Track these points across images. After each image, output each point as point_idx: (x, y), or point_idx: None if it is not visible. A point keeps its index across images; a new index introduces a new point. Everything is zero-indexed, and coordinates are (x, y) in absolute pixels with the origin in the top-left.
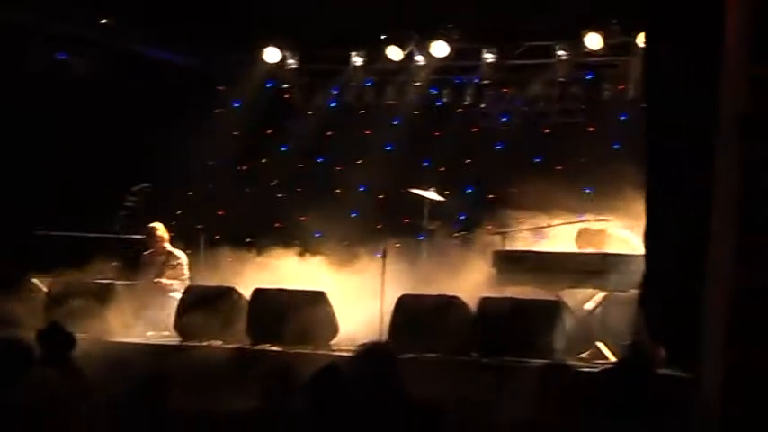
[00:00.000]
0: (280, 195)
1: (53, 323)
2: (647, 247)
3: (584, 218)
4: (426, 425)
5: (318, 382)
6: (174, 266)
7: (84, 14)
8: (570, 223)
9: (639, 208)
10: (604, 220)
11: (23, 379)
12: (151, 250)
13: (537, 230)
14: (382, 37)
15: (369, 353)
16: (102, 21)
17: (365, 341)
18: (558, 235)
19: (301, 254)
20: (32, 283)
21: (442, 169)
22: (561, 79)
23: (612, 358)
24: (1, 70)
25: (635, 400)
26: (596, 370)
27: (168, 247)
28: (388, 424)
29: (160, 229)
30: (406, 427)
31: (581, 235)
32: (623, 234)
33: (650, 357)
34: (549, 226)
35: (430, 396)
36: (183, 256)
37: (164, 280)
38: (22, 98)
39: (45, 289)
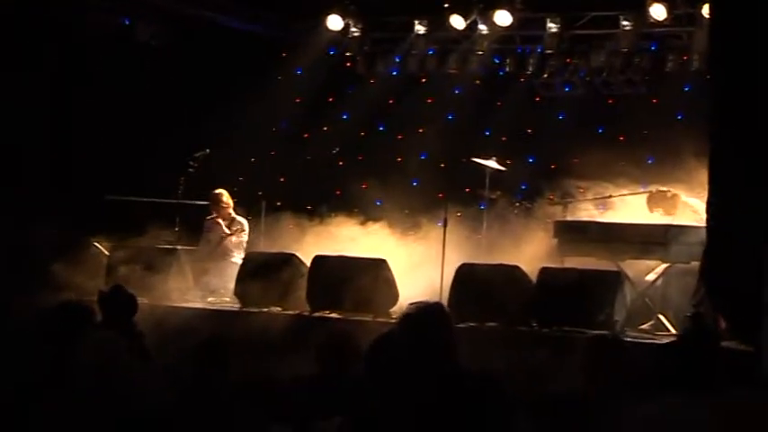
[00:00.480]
0: (341, 163)
1: (115, 287)
2: (709, 219)
3: (646, 188)
4: (478, 394)
5: (377, 349)
6: (236, 232)
7: None
8: (633, 194)
9: (702, 179)
10: (667, 191)
11: (84, 342)
12: (213, 215)
13: (599, 201)
14: (445, 5)
15: (421, 311)
16: None
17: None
18: (620, 205)
19: (362, 222)
20: (94, 246)
21: (504, 138)
22: (625, 50)
23: (673, 330)
24: (67, 35)
25: (697, 373)
26: (657, 342)
27: (232, 213)
28: (440, 389)
29: (225, 195)
30: (458, 393)
31: (653, 196)
32: (694, 202)
33: (712, 330)
34: (611, 196)
35: (486, 365)
36: (244, 223)
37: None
38: (85, 63)
39: (106, 253)
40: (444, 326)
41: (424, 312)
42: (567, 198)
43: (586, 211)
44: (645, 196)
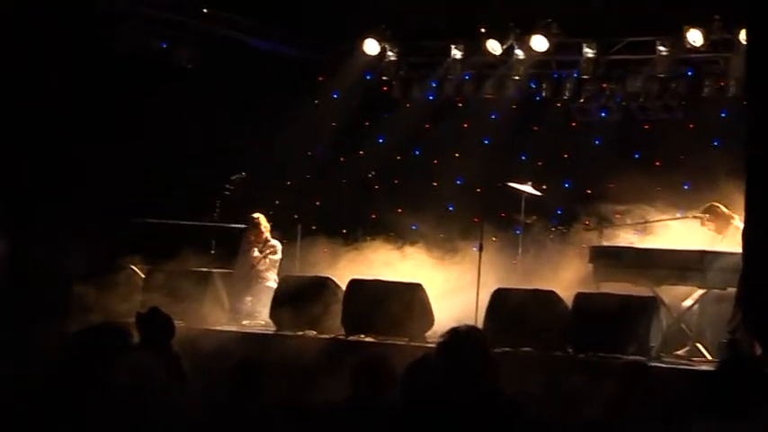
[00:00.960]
0: (376, 187)
1: (153, 309)
2: (745, 245)
3: (682, 215)
4: (513, 418)
5: (413, 374)
6: (268, 254)
7: (188, 2)
8: (668, 219)
9: (738, 205)
10: (700, 218)
11: (122, 363)
12: (251, 239)
13: (635, 226)
14: (482, 30)
15: (459, 336)
16: (205, 10)
17: (456, 326)
18: (659, 231)
19: (398, 246)
20: (131, 269)
21: (540, 163)
22: (661, 75)
23: (709, 357)
24: (104, 57)
25: (734, 399)
26: (694, 368)
27: (268, 236)
28: (475, 415)
29: (263, 219)
30: (491, 419)
31: (710, 209)
32: None
33: (748, 356)
34: (647, 222)
35: (521, 391)
36: (277, 244)
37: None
38: (121, 85)
39: (143, 276)
40: (482, 350)
41: (461, 337)
42: (602, 223)
43: (624, 237)
44: (699, 210)
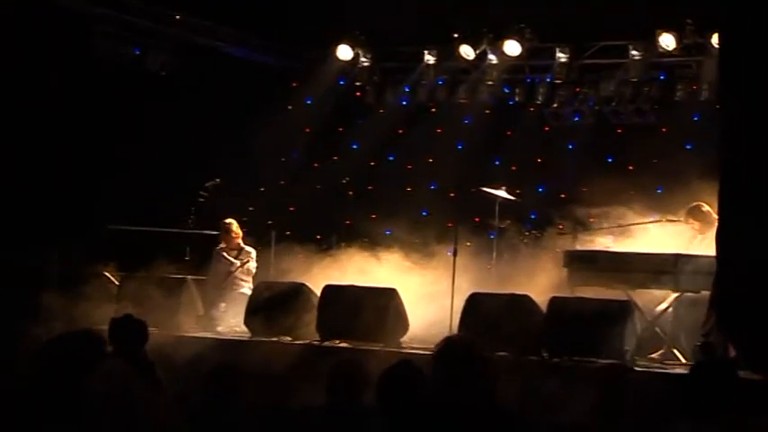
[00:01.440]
0: (350, 193)
1: (126, 316)
2: (719, 248)
3: (655, 218)
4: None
5: (389, 379)
6: (245, 262)
7: (160, 10)
8: (640, 224)
9: (712, 209)
10: (677, 221)
11: (95, 372)
12: (222, 245)
13: (609, 230)
14: (455, 35)
15: (454, 346)
16: (177, 17)
17: (450, 335)
18: (631, 235)
19: (372, 251)
20: (105, 276)
21: (514, 168)
22: (634, 79)
23: (683, 360)
24: (76, 64)
25: (709, 402)
26: (668, 371)
27: (241, 243)
28: (462, 425)
29: (235, 224)
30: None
31: (693, 209)
32: None
33: (723, 359)
34: (621, 226)
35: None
36: (252, 251)
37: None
38: (94, 92)
39: (116, 282)
40: (477, 358)
41: (455, 345)
42: (576, 227)
43: (598, 241)
44: (684, 211)
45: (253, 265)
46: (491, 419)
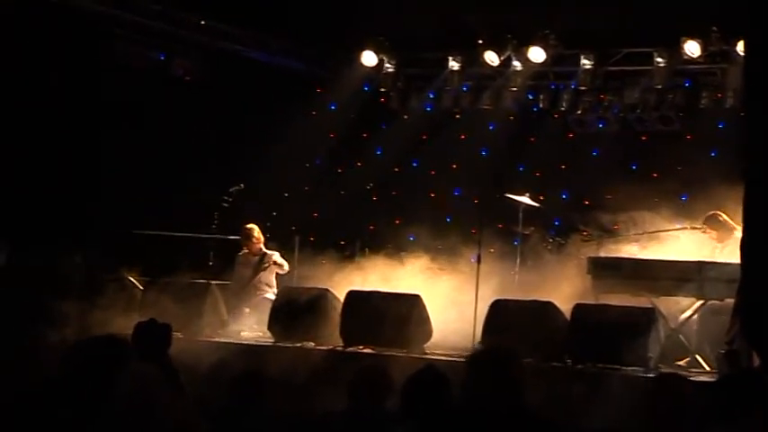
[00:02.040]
0: (374, 198)
1: (150, 320)
2: (743, 256)
3: (679, 226)
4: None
5: (415, 384)
6: (268, 267)
7: (185, 15)
8: (664, 231)
9: (736, 217)
10: (700, 228)
11: (121, 376)
12: (245, 251)
13: (633, 238)
14: (480, 42)
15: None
16: (202, 22)
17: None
18: (656, 242)
19: (395, 257)
20: (128, 281)
21: (537, 174)
22: (659, 86)
23: (707, 368)
24: (101, 69)
25: (737, 409)
26: (693, 379)
27: (263, 248)
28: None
29: (256, 230)
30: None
31: (711, 218)
32: None
33: (747, 367)
34: (645, 233)
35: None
36: (275, 254)
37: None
38: (119, 97)
39: (141, 287)
40: (512, 363)
41: (488, 352)
42: (600, 234)
43: (623, 248)
44: (700, 220)
45: (281, 260)
46: (523, 425)
